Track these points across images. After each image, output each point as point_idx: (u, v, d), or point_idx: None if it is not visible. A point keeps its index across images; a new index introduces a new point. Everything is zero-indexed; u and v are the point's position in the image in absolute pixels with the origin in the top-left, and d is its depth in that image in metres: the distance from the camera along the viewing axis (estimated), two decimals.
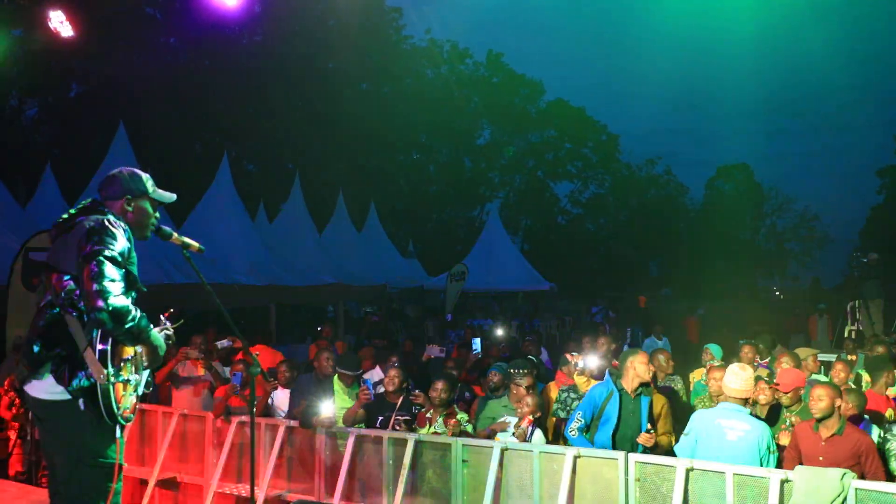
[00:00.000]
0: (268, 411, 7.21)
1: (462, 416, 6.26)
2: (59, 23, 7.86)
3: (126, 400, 3.42)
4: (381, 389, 6.66)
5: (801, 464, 4.87)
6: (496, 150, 46.86)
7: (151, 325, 3.50)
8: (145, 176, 3.82)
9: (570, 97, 49.52)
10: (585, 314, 24.87)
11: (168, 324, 4.15)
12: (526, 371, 6.53)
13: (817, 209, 57.24)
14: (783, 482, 4.55)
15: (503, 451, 5.50)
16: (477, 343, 10.56)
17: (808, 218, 56.69)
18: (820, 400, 5.06)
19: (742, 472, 4.70)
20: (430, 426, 6.15)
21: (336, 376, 6.88)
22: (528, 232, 48.74)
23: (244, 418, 6.66)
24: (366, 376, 8.10)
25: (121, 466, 3.47)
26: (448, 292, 19.24)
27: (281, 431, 6.52)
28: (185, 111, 25.32)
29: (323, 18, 29.28)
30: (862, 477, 4.72)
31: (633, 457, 5.05)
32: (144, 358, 3.59)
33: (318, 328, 15.17)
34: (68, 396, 3.27)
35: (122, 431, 3.48)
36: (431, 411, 6.25)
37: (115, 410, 3.31)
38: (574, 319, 24.33)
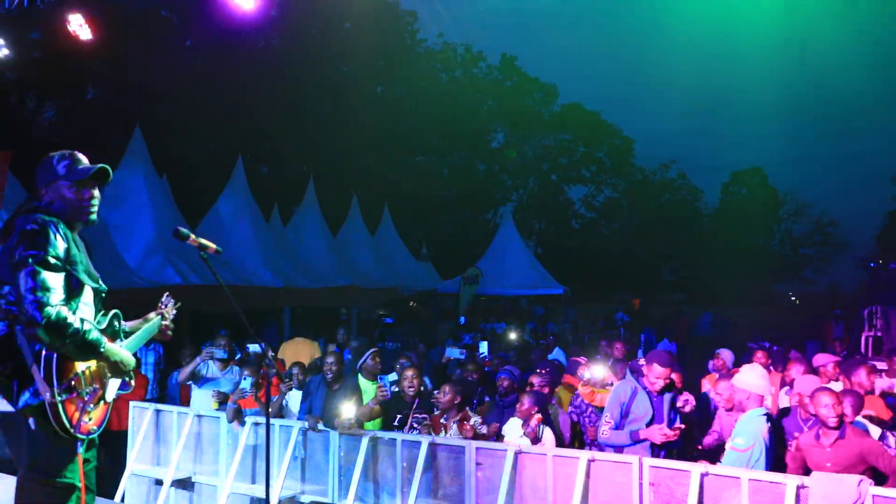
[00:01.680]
0: (282, 412, 7.24)
1: (476, 418, 6.26)
2: (79, 26, 7.94)
3: (87, 413, 3.16)
4: (396, 389, 6.65)
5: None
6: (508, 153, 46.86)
7: (104, 339, 3.19)
8: (59, 156, 3.40)
9: (586, 101, 49.44)
10: (600, 318, 24.83)
11: (168, 304, 4.03)
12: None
13: (833, 214, 56.82)
14: (799, 488, 4.53)
15: (517, 454, 5.50)
16: (484, 346, 10.52)
17: (824, 223, 56.27)
18: (829, 407, 4.99)
19: (757, 478, 4.68)
20: (446, 432, 6.13)
21: (360, 375, 6.89)
22: (541, 235, 48.64)
23: (259, 419, 6.69)
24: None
25: (78, 488, 3.17)
26: (461, 295, 19.25)
27: (295, 433, 6.54)
28: (201, 114, 25.46)
29: (338, 22, 29.37)
30: (874, 478, 4.68)
31: (648, 461, 5.05)
32: (107, 370, 3.31)
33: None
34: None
35: (83, 447, 3.21)
36: (445, 416, 6.24)
37: (69, 428, 3.05)
38: (588, 324, 24.26)
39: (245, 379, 6.95)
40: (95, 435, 3.28)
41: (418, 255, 27.46)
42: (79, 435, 3.12)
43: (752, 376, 5.39)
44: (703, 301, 40.74)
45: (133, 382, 3.51)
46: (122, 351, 3.37)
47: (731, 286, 44.28)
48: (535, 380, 6.83)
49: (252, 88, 26.11)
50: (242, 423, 6.79)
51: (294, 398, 7.32)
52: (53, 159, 3.38)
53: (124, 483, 7.28)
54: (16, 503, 3.15)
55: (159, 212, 14.29)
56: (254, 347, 8.59)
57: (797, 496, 4.51)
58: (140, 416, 7.52)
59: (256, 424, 6.69)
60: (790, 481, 4.56)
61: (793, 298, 50.18)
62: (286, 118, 27.60)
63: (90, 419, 3.19)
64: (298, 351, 10.55)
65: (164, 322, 3.97)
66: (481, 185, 44.31)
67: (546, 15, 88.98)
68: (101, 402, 3.29)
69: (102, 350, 3.17)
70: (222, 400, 7.32)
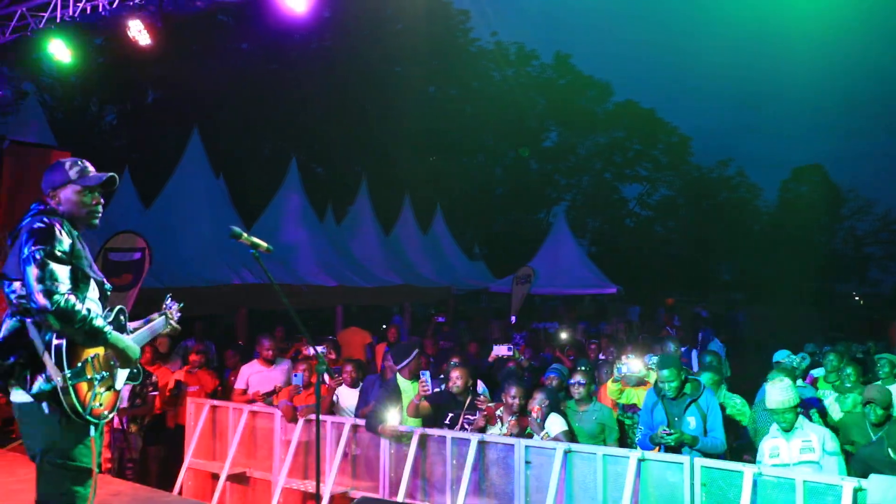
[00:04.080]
0: (333, 409, 7.32)
1: (535, 415, 6.24)
2: (138, 31, 8.15)
3: (98, 398, 3.32)
4: (443, 386, 6.64)
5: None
6: (560, 152, 46.49)
7: (110, 327, 3.36)
8: (71, 162, 3.58)
9: (641, 98, 48.79)
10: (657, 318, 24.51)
11: (173, 306, 4.13)
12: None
13: None
14: (856, 491, 4.41)
15: (567, 452, 5.48)
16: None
17: (890, 221, 54.48)
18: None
19: (812, 480, 4.58)
20: (502, 425, 6.13)
21: (398, 375, 6.92)
22: (595, 234, 48.18)
23: (311, 416, 6.78)
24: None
25: (91, 471, 3.33)
26: (514, 295, 19.19)
27: (346, 429, 6.62)
28: (256, 115, 25.89)
29: (390, 22, 29.55)
30: None
31: (699, 461, 4.98)
32: (115, 360, 3.46)
33: (384, 326, 15.33)
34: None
35: (97, 432, 3.39)
36: (502, 409, 6.23)
37: (81, 410, 3.22)
38: (642, 323, 23.98)
39: (297, 376, 7.07)
40: (105, 420, 3.44)
41: (471, 254, 27.48)
42: (90, 418, 3.28)
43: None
44: (762, 301, 39.94)
45: (140, 374, 3.67)
46: (127, 340, 3.52)
47: (790, 286, 43.21)
48: (578, 377, 6.80)
49: (305, 90, 26.45)
50: (295, 420, 6.89)
51: (345, 394, 7.39)
52: (65, 165, 3.56)
53: (182, 476, 7.46)
54: (37, 490, 3.32)
55: (216, 212, 14.58)
56: (320, 349, 8.69)
57: (854, 499, 4.40)
58: (197, 412, 7.69)
59: (308, 421, 6.78)
60: (846, 484, 4.45)
61: (856, 299, 48.81)
62: (339, 119, 27.89)
63: (101, 404, 3.36)
64: (352, 339, 10.82)
65: (169, 321, 4.11)
66: (534, 184, 44.10)
67: (600, 12, 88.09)
68: (112, 390, 3.45)
69: (109, 337, 3.33)
70: (268, 399, 7.49)
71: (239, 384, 7.88)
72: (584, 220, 47.05)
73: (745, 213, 51.72)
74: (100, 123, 27.35)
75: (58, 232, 3.28)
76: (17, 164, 9.65)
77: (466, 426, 6.28)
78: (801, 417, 5.33)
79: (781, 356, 8.35)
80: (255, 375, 7.85)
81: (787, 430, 5.25)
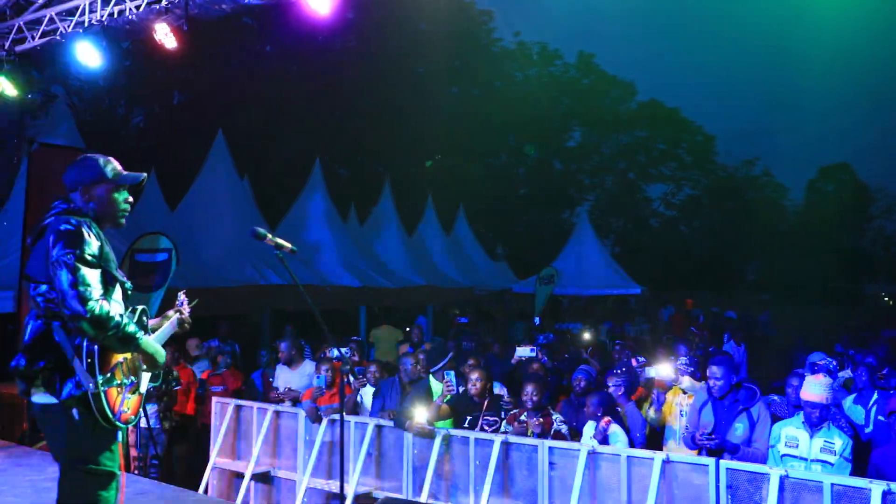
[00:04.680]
0: (357, 409, 7.35)
1: (557, 416, 6.24)
2: (164, 35, 8.22)
3: (125, 403, 3.31)
4: (460, 389, 6.64)
5: None
6: (584, 151, 46.31)
7: (141, 332, 3.34)
8: (104, 160, 3.52)
9: (665, 98, 48.51)
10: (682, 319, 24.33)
11: (184, 304, 4.09)
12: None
13: None
14: (885, 494, 4.35)
15: (590, 454, 5.46)
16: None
17: None
18: None
19: (841, 483, 4.53)
20: (532, 429, 6.13)
21: (431, 377, 6.92)
22: (619, 235, 47.95)
23: (335, 416, 6.81)
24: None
25: (117, 475, 3.31)
26: (537, 295, 19.15)
27: (370, 429, 6.64)
28: (280, 117, 26.04)
29: (413, 23, 29.59)
30: None
31: (725, 463, 4.94)
32: (142, 362, 3.47)
33: (407, 328, 15.34)
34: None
35: (122, 435, 3.39)
36: (525, 414, 6.22)
37: (111, 416, 3.20)
38: (669, 325, 23.80)
39: (319, 377, 7.11)
40: (131, 424, 3.43)
41: (494, 254, 27.43)
42: (119, 423, 3.27)
43: None
44: (788, 301, 39.53)
45: (161, 375, 3.70)
46: (156, 344, 3.51)
47: (818, 286, 42.78)
48: (611, 380, 6.75)
49: (329, 91, 26.57)
50: (319, 420, 6.92)
51: (369, 395, 7.42)
52: (98, 162, 3.50)
53: (207, 475, 7.52)
54: (59, 492, 3.29)
55: (240, 213, 14.68)
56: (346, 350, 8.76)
57: (883, 502, 4.34)
58: (222, 411, 7.76)
59: (332, 421, 6.81)
60: (875, 486, 4.39)
61: (885, 299, 48.15)
62: (362, 119, 27.98)
63: (128, 409, 3.34)
64: (384, 336, 10.97)
65: (182, 318, 4.06)
66: (558, 184, 43.97)
67: (623, 11, 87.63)
68: (137, 393, 3.44)
69: (140, 342, 3.31)
70: (293, 399, 7.56)
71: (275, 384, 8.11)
72: (608, 221, 46.83)
73: (772, 212, 51.22)
74: (127, 125, 27.64)
75: (86, 234, 3.22)
76: (45, 166, 9.79)
77: (486, 428, 6.28)
78: (829, 422, 5.27)
79: (818, 359, 8.16)
80: (281, 377, 8.07)
81: (814, 425, 5.19)
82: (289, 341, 8.28)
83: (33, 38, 9.06)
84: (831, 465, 5.04)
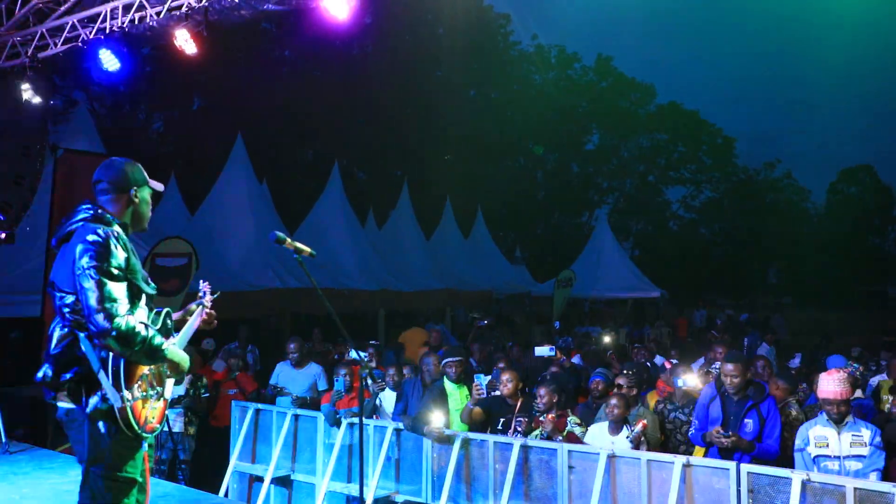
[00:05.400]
0: (376, 413, 7.35)
1: (573, 418, 6.21)
2: (184, 41, 8.28)
3: (150, 414, 3.30)
4: (496, 392, 6.64)
5: None
6: (602, 154, 46.14)
7: (166, 342, 3.31)
8: (133, 164, 3.58)
9: (685, 100, 48.27)
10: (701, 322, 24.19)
11: (206, 294, 4.02)
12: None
13: None
14: None
15: (610, 457, 5.43)
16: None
17: None
18: None
19: (863, 487, 4.47)
20: (543, 428, 6.12)
21: (444, 379, 6.91)
22: (638, 237, 47.72)
23: (354, 420, 6.81)
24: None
25: (139, 483, 3.32)
26: (555, 299, 19.09)
27: (389, 433, 6.64)
28: (298, 121, 26.17)
29: (431, 27, 29.66)
30: None
31: (746, 467, 4.89)
32: (168, 370, 3.46)
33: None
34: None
35: (145, 444, 3.35)
36: (545, 415, 6.22)
37: (137, 429, 3.18)
38: (687, 327, 23.66)
39: (338, 380, 7.11)
40: (156, 433, 3.41)
41: (512, 258, 27.39)
42: (145, 434, 3.26)
43: None
44: (810, 304, 39.15)
45: (183, 380, 3.63)
46: (181, 352, 3.48)
47: (840, 289, 42.32)
48: (622, 381, 6.72)
49: (347, 95, 26.66)
50: (338, 424, 6.93)
51: (388, 399, 7.42)
52: (128, 166, 3.53)
53: (227, 479, 7.55)
54: (80, 496, 3.30)
55: (259, 217, 14.75)
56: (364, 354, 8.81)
57: None
58: (241, 415, 7.78)
59: (352, 425, 6.81)
60: None
61: None
62: (380, 123, 28.06)
63: (153, 418, 3.33)
64: (414, 339, 11.13)
65: (205, 310, 3.97)
66: (576, 187, 43.84)
67: (641, 14, 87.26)
68: (161, 400, 3.43)
69: (166, 353, 3.29)
70: (301, 404, 7.58)
71: (272, 380, 8.33)
72: (627, 224, 46.65)
73: (793, 215, 50.78)
74: (147, 131, 27.90)
75: (113, 246, 3.20)
76: (70, 172, 9.91)
77: (518, 429, 6.26)
78: (852, 416, 5.22)
79: (839, 363, 8.06)
80: (283, 374, 8.27)
81: (838, 422, 5.13)
82: (297, 342, 8.38)
83: (55, 44, 9.15)
84: (864, 457, 4.99)
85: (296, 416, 7.38)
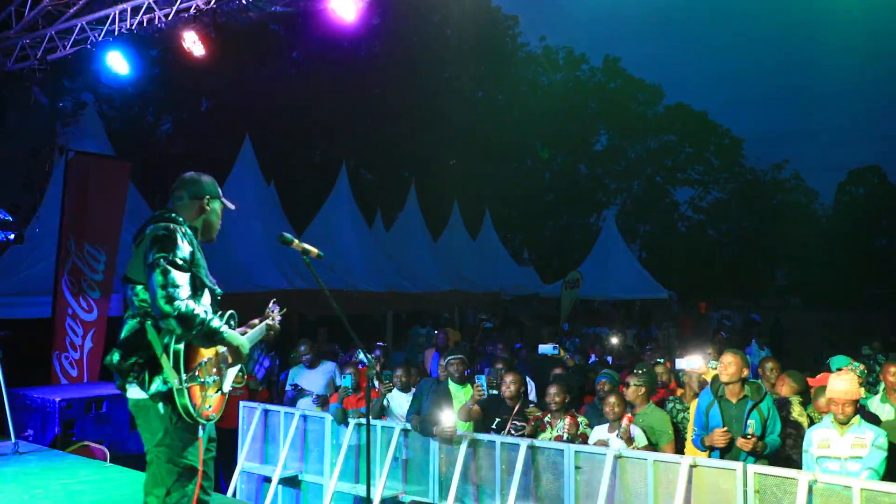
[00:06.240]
0: (384, 413, 7.36)
1: (582, 419, 6.22)
2: (193, 42, 8.33)
3: (207, 400, 3.50)
4: (493, 391, 6.64)
5: None
6: (610, 155, 46.09)
7: (225, 326, 3.54)
8: (213, 177, 3.92)
9: (692, 101, 48.24)
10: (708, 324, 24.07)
11: (275, 310, 4.26)
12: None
13: None
14: None
15: (617, 458, 5.43)
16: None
17: None
18: None
19: (871, 488, 4.45)
20: (552, 430, 6.13)
21: (450, 381, 6.92)
22: (646, 239, 47.65)
23: (361, 420, 6.82)
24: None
25: (197, 470, 3.52)
26: (563, 300, 19.07)
27: (396, 433, 6.65)
28: (306, 123, 26.21)
29: (439, 28, 29.67)
30: None
31: (752, 468, 4.88)
32: (229, 357, 3.64)
33: (436, 331, 15.35)
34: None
35: (204, 432, 3.56)
36: (550, 416, 6.23)
37: (193, 412, 3.40)
38: (694, 329, 23.57)
39: (345, 378, 7.13)
40: (213, 422, 3.63)
41: (520, 259, 27.38)
42: (201, 419, 3.47)
43: None
44: (819, 306, 39.01)
45: (245, 379, 3.75)
46: (239, 337, 3.67)
47: (848, 290, 42.17)
48: (632, 380, 6.70)
49: (355, 96, 26.70)
50: (346, 422, 6.95)
51: (397, 399, 7.43)
52: (213, 180, 3.87)
53: (235, 479, 7.57)
54: (145, 483, 3.53)
55: (267, 219, 14.78)
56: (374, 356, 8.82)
57: None
58: (249, 416, 7.81)
59: (359, 425, 6.83)
60: None
61: None
62: (388, 124, 28.09)
63: (210, 406, 3.54)
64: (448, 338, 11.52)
65: (270, 324, 4.23)
66: (584, 189, 43.81)
67: (649, 15, 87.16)
68: (219, 392, 3.63)
69: (224, 335, 3.50)
70: (323, 402, 7.60)
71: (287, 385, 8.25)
72: (635, 225, 46.62)
73: (801, 216, 50.65)
74: (156, 132, 28.00)
75: (179, 240, 3.47)
76: (79, 174, 9.95)
77: (513, 431, 6.27)
78: (859, 417, 5.21)
79: (843, 363, 8.02)
80: (299, 376, 8.23)
81: (843, 422, 5.13)
82: (306, 344, 8.40)
83: (64, 47, 9.21)
84: (864, 457, 4.99)
85: (304, 417, 7.40)
